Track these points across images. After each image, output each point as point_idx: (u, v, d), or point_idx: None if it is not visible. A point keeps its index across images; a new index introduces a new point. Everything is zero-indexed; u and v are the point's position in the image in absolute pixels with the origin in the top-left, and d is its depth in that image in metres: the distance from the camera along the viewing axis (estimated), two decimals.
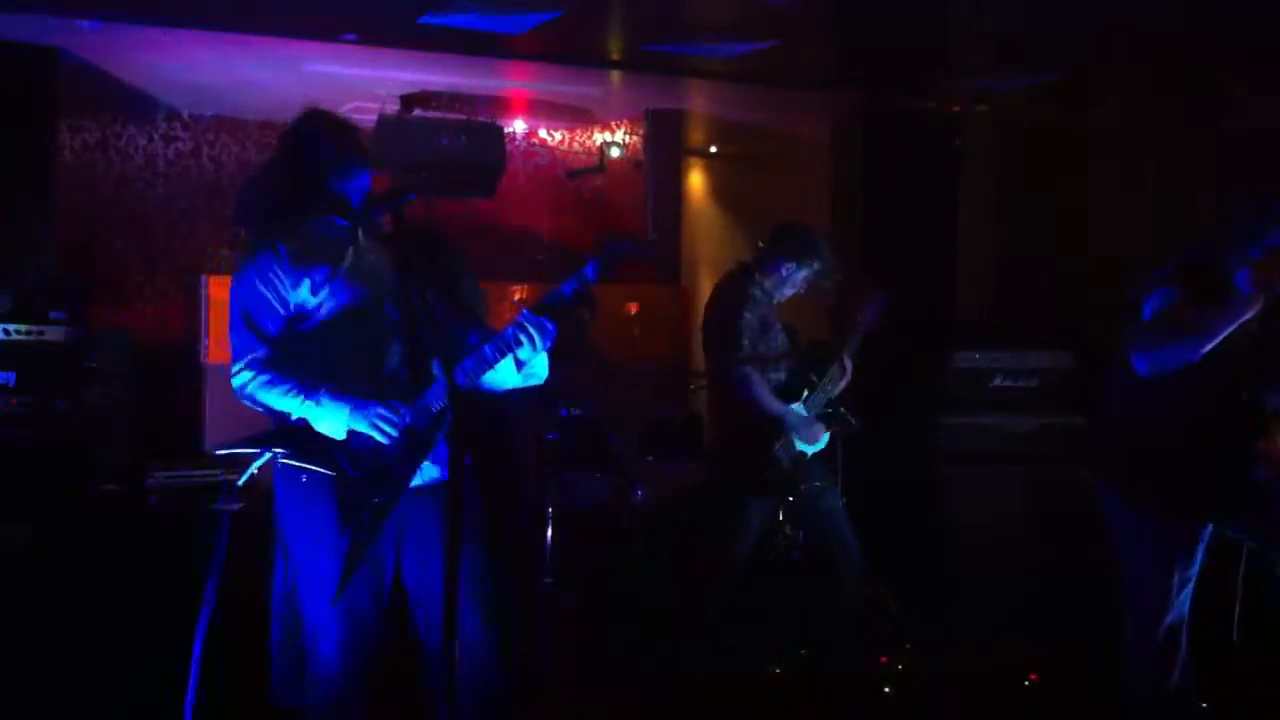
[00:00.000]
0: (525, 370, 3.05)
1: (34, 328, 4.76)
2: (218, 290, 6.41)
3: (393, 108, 6.28)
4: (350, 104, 6.68)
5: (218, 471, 5.17)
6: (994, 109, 6.57)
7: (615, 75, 6.28)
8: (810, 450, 4.74)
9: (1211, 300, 3.26)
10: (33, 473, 4.68)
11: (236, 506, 4.81)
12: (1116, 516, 3.50)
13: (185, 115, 6.95)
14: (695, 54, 5.63)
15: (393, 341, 3.03)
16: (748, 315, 4.68)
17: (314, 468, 2.97)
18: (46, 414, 4.76)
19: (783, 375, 4.80)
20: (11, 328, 4.72)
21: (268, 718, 3.35)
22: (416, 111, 6.33)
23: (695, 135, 7.93)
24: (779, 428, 4.63)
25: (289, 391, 2.98)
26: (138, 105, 6.69)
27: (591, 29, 5.33)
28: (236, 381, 3.05)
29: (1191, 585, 3.43)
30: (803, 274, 4.79)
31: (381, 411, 2.95)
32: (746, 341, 4.67)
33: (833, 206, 6.78)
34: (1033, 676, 4.85)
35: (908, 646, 5.08)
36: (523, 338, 2.93)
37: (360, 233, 3.02)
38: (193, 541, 4.86)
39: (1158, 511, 3.41)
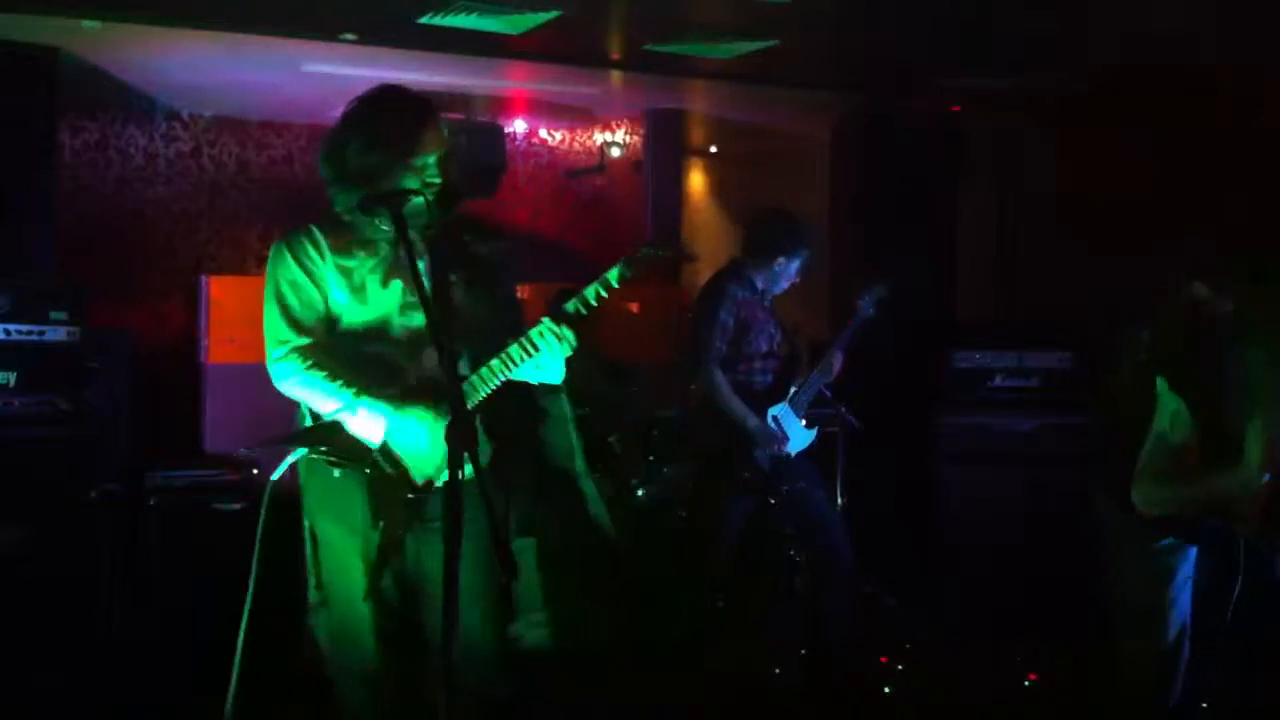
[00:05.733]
0: (543, 371, 3.05)
1: (34, 328, 4.75)
2: (218, 290, 6.40)
3: None
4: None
5: (218, 471, 5.17)
6: (993, 109, 6.57)
7: (615, 75, 6.27)
8: (793, 450, 4.72)
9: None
10: (33, 473, 4.68)
11: (239, 506, 4.81)
12: (1113, 520, 3.49)
13: (185, 115, 6.94)
14: (695, 54, 5.63)
15: (428, 342, 2.96)
16: (723, 316, 4.66)
17: (349, 465, 2.95)
18: (46, 414, 4.75)
19: (769, 378, 4.77)
20: (11, 328, 4.71)
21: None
22: None
23: (695, 135, 7.92)
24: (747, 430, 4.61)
25: (330, 391, 2.92)
26: (138, 105, 6.69)
27: (591, 29, 5.33)
28: (276, 370, 2.98)
29: (1190, 584, 3.42)
30: (795, 265, 4.77)
31: (418, 416, 2.93)
32: (719, 343, 4.65)
33: (833, 206, 6.77)
34: (1032, 676, 4.85)
35: (908, 646, 5.08)
36: (542, 344, 2.96)
37: (405, 229, 2.79)
38: (195, 541, 4.91)
39: (1155, 514, 3.37)
